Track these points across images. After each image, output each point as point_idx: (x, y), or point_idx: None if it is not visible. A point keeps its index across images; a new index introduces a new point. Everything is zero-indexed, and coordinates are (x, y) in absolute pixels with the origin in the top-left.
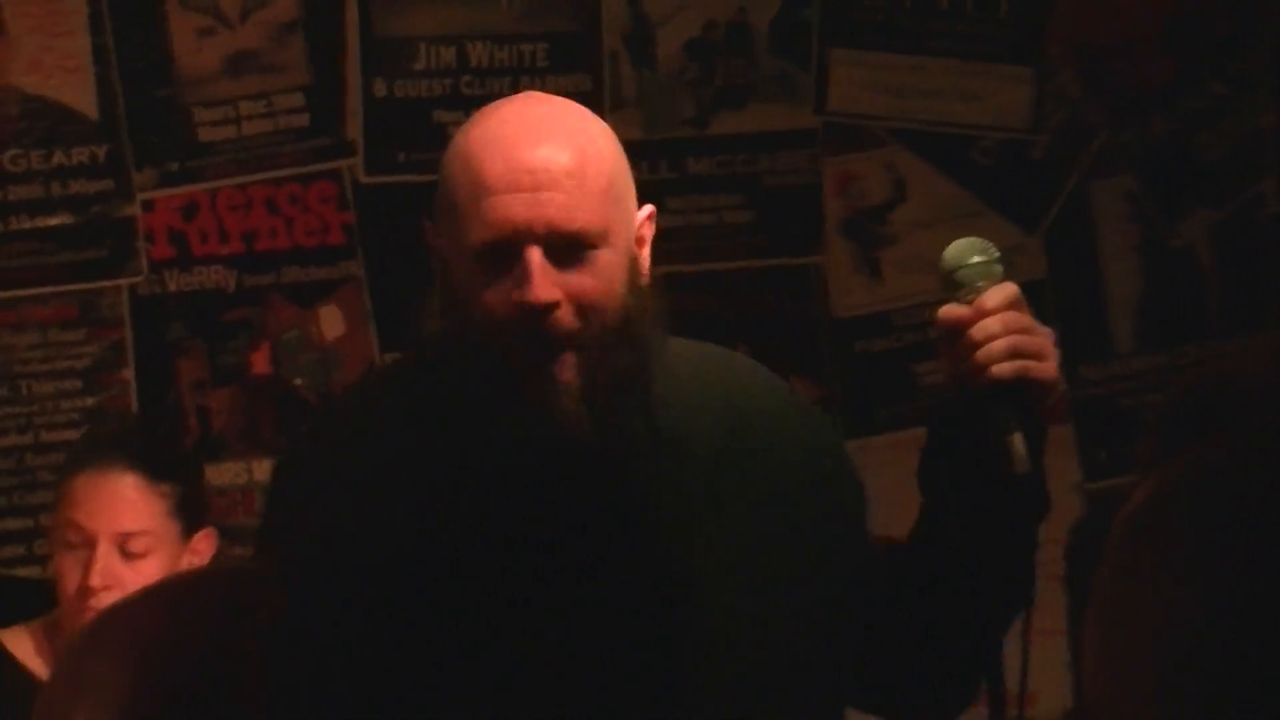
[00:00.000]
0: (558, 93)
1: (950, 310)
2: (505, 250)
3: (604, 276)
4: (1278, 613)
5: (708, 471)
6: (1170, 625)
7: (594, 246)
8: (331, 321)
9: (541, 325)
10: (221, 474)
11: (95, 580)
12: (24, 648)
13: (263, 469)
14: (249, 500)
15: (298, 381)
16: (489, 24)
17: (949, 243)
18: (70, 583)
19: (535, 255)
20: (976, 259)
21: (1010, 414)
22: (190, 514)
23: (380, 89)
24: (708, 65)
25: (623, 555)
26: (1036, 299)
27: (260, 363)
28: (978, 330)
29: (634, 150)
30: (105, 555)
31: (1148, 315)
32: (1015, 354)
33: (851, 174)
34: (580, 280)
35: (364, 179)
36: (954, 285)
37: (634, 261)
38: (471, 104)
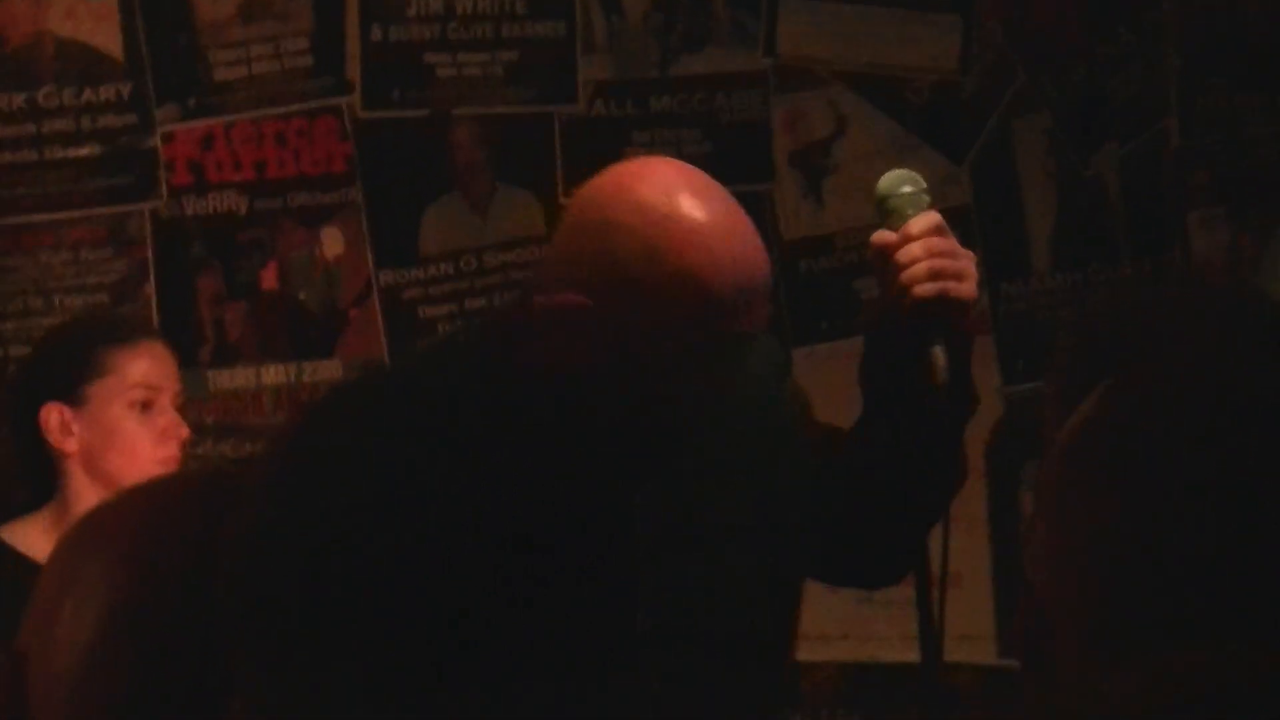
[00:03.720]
0: (535, 37)
1: (880, 235)
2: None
3: None
4: (1176, 519)
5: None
6: (1100, 525)
7: None
8: (333, 241)
9: None
10: (235, 378)
11: (183, 428)
12: (30, 540)
13: (271, 374)
14: (259, 402)
15: (302, 295)
16: None
17: (885, 173)
18: (144, 437)
19: None
20: (905, 189)
21: (932, 328)
22: None
23: (376, 34)
24: (670, 14)
25: None
26: (964, 224)
27: (270, 278)
28: (903, 254)
29: (604, 90)
30: (172, 409)
31: (1062, 238)
32: (936, 275)
33: (798, 111)
34: None
35: (362, 114)
36: (885, 213)
37: None
38: (457, 47)
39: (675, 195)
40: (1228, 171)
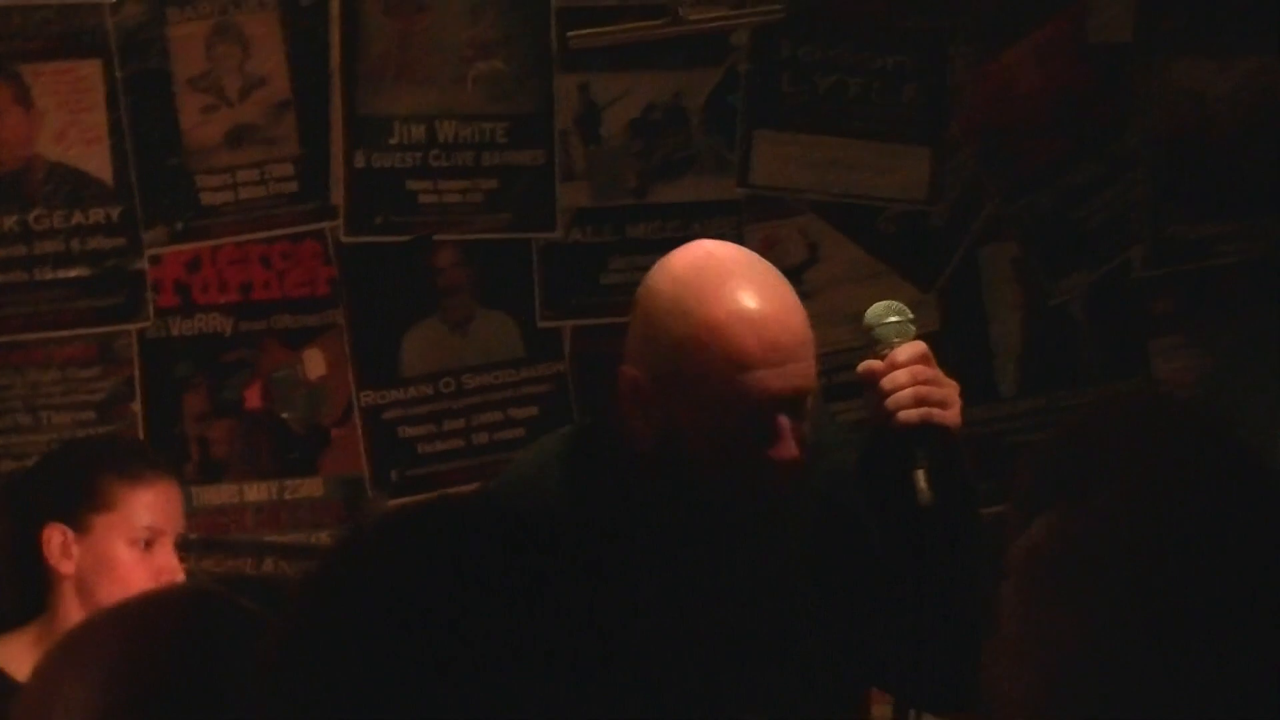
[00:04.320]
0: (514, 165)
1: (867, 364)
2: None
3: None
4: (1140, 631)
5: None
6: (1062, 636)
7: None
8: (316, 362)
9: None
10: (220, 494)
11: (179, 571)
12: (13, 656)
13: (254, 491)
14: (242, 518)
15: (285, 415)
16: (456, 105)
17: (857, 300)
18: (141, 575)
19: (786, 421)
20: (892, 318)
21: (916, 452)
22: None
23: (360, 160)
24: (648, 142)
25: None
26: (932, 349)
27: (254, 398)
28: (889, 381)
29: (582, 216)
30: (171, 550)
31: (1028, 364)
32: (921, 402)
33: (771, 239)
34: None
35: (345, 239)
36: (872, 341)
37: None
38: (439, 175)
39: (702, 260)
40: (1192, 299)
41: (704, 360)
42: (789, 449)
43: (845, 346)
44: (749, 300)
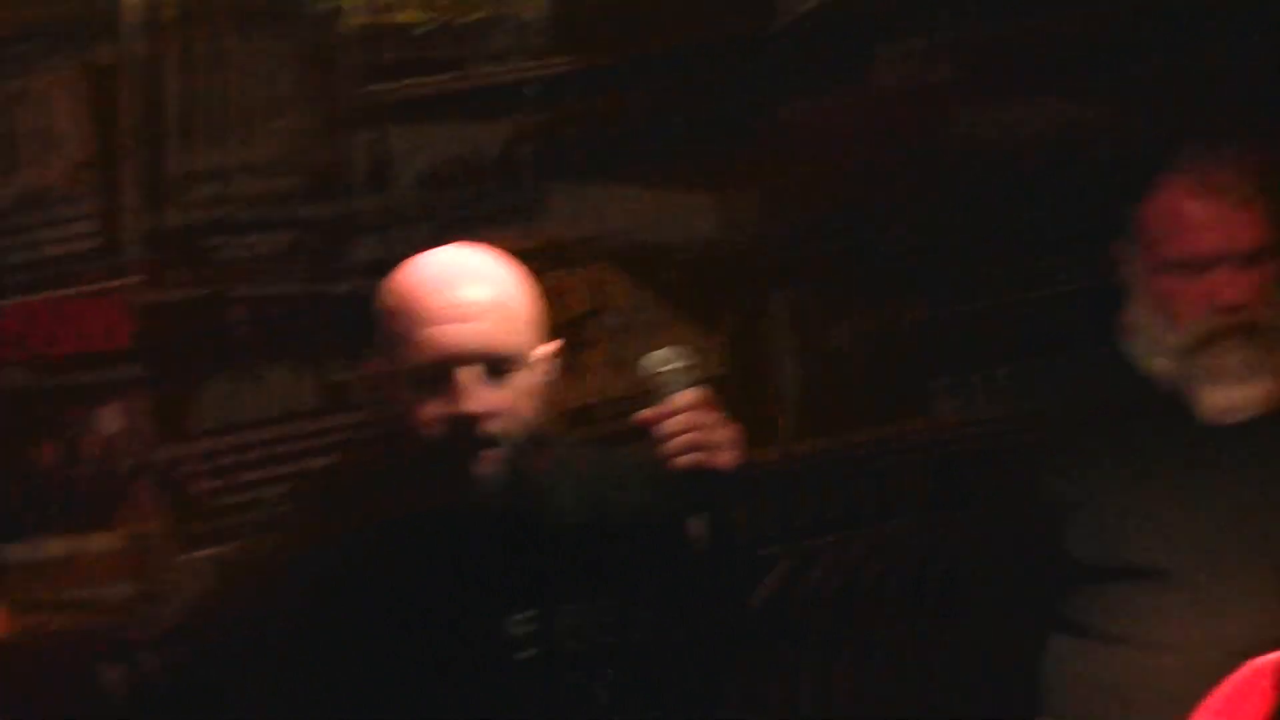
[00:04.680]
0: (310, 219)
1: (644, 412)
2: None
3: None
4: None
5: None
6: None
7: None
8: (113, 418)
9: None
10: (11, 553)
11: None
12: None
13: (51, 548)
14: (42, 573)
15: (81, 470)
16: (252, 161)
17: (646, 347)
18: None
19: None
20: (670, 365)
21: (692, 498)
22: None
23: (159, 218)
24: (441, 195)
25: None
26: (718, 393)
27: (50, 454)
28: (665, 428)
29: (377, 269)
30: None
31: (812, 406)
32: (697, 448)
33: (561, 288)
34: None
35: (144, 295)
36: (651, 388)
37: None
38: (236, 230)
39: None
40: (968, 338)
41: (399, 320)
42: (466, 404)
43: (633, 394)
44: (439, 266)
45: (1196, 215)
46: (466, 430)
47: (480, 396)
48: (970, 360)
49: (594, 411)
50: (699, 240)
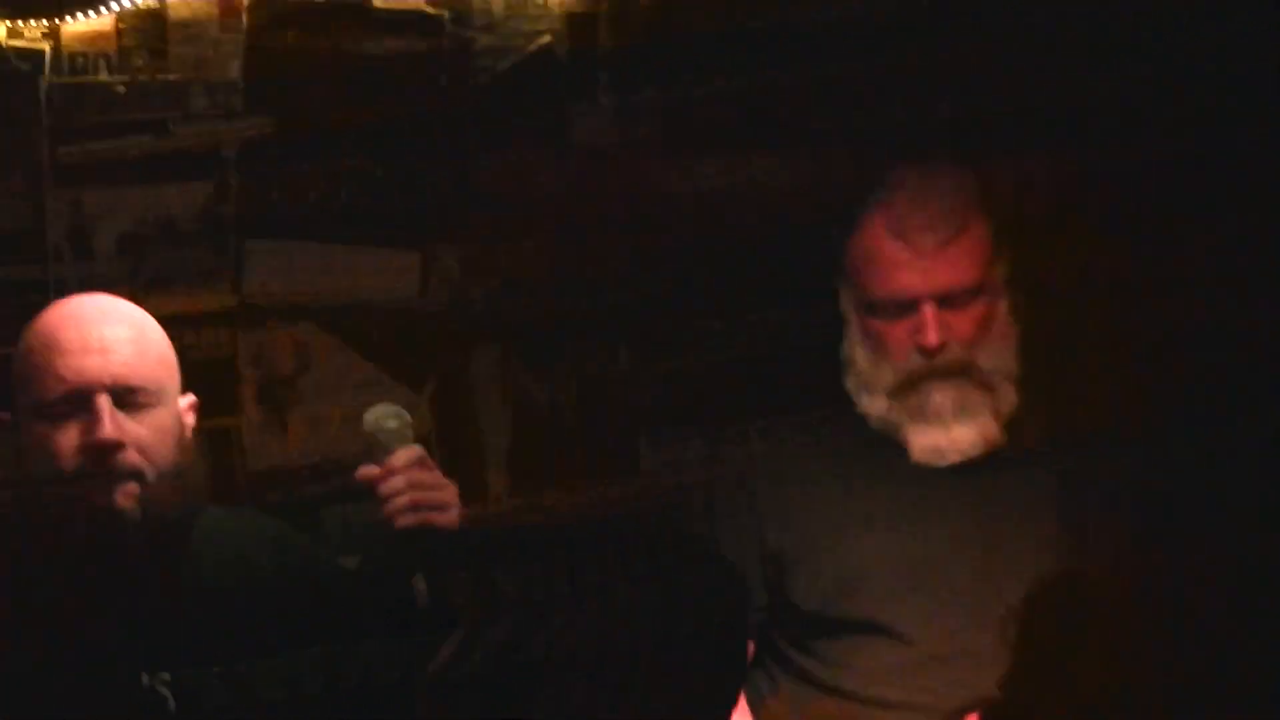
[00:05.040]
0: (9, 280)
1: (364, 470)
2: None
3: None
4: None
5: None
6: None
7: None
8: None
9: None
10: None
11: None
12: None
13: None
14: None
15: None
16: None
17: (352, 405)
18: None
19: (104, 402)
20: (390, 424)
21: (415, 557)
22: None
23: None
24: (140, 256)
25: None
26: (427, 450)
27: None
28: (386, 487)
29: None
30: None
31: (518, 462)
32: (417, 507)
33: (266, 346)
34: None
35: None
36: (371, 446)
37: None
38: None
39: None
40: (680, 393)
41: (36, 356)
42: (102, 431)
43: (340, 454)
44: (75, 306)
45: (893, 256)
46: (103, 458)
47: (117, 425)
48: (681, 417)
49: (301, 473)
50: (403, 299)
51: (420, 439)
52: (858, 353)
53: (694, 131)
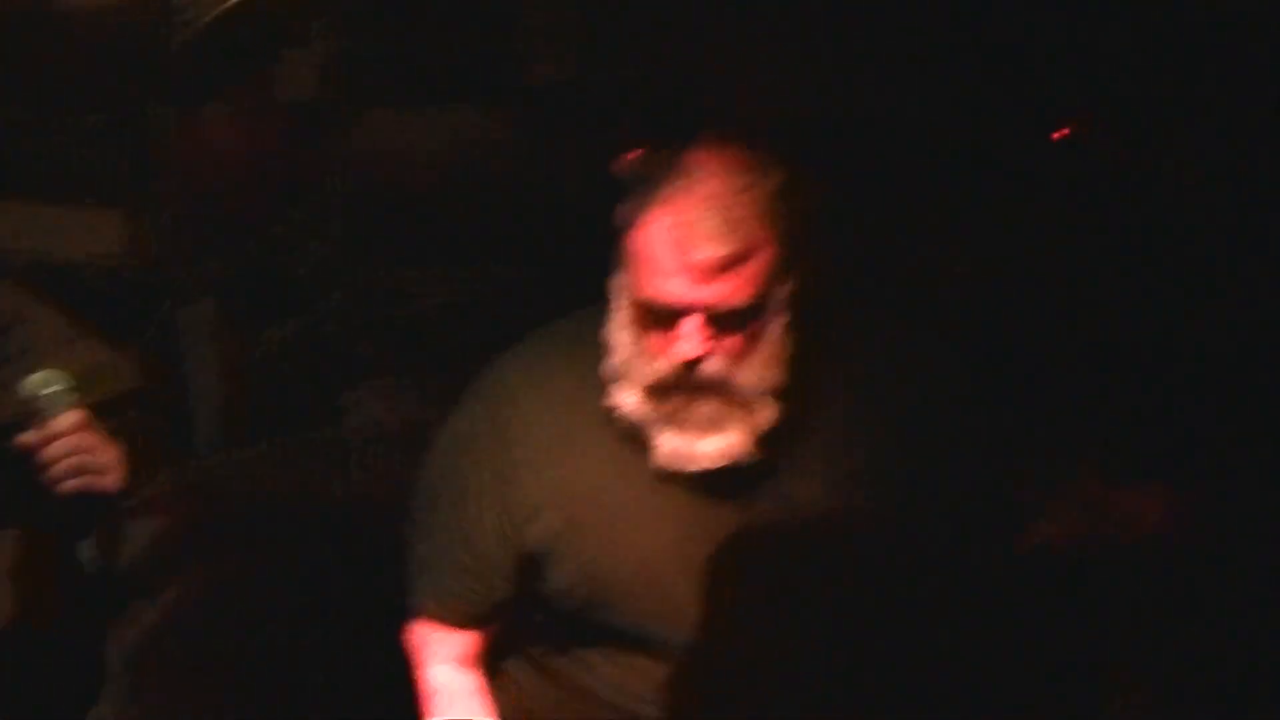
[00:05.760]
0: None
1: (25, 436)
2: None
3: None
4: None
5: None
6: None
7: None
8: None
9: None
10: None
11: None
12: None
13: None
14: None
15: None
16: None
17: (62, 364)
18: None
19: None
20: (50, 388)
21: (79, 521)
22: None
23: None
24: None
25: None
26: (134, 407)
27: None
28: (46, 452)
29: None
30: None
31: (231, 418)
32: (80, 471)
33: None
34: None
35: None
36: (32, 412)
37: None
38: None
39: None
40: (390, 346)
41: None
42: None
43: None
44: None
45: (668, 262)
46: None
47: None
48: (389, 370)
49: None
50: (107, 257)
51: (128, 396)
52: (620, 340)
53: (403, 83)
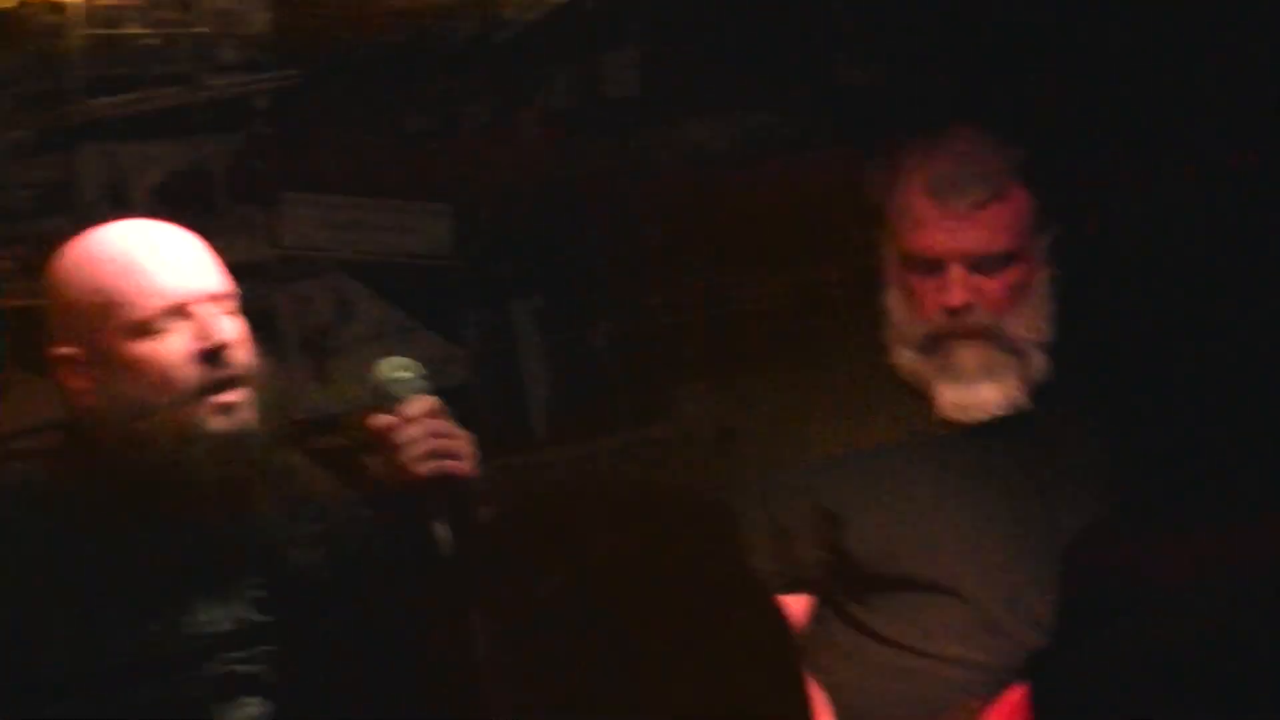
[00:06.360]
0: (43, 232)
1: (377, 419)
2: None
3: None
4: None
5: None
6: None
7: None
8: None
9: None
10: None
11: None
12: None
13: None
14: None
15: None
16: None
17: (388, 355)
18: None
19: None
20: (401, 374)
21: (433, 505)
22: None
23: None
24: (174, 208)
25: None
26: (465, 401)
27: None
28: (400, 436)
29: None
30: None
31: (559, 412)
32: (434, 455)
33: (303, 298)
34: None
35: None
36: (382, 397)
37: None
38: None
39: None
40: (713, 345)
41: (108, 279)
42: (217, 335)
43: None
44: (128, 228)
45: (926, 213)
46: (218, 359)
47: (226, 329)
48: (717, 366)
49: (342, 420)
50: (439, 251)
51: (458, 391)
52: (893, 302)
53: (725, 85)
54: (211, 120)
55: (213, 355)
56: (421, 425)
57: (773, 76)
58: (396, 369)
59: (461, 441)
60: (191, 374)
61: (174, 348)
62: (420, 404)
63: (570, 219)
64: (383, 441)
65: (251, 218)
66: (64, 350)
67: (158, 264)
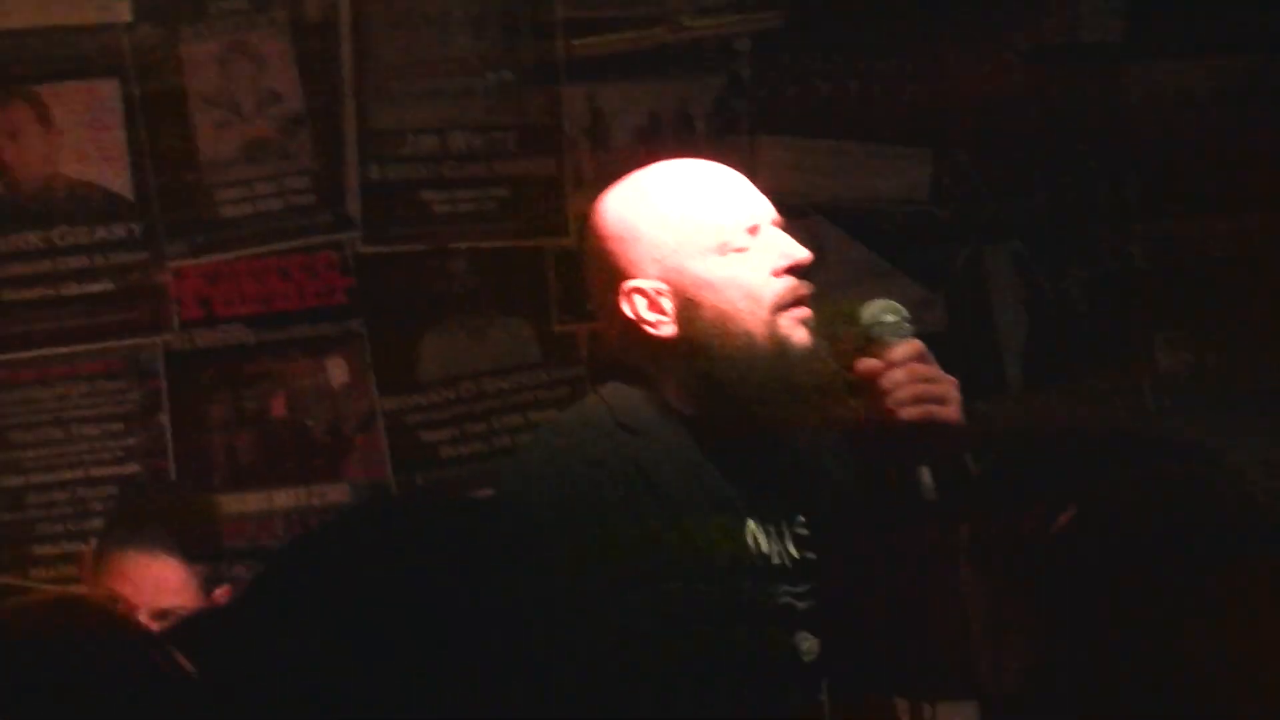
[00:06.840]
0: (525, 174)
1: (865, 363)
2: None
3: None
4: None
5: None
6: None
7: None
8: (337, 370)
9: None
10: (245, 503)
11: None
12: None
13: (282, 498)
14: (269, 526)
15: (309, 422)
16: (466, 116)
17: (863, 300)
18: None
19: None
20: (888, 318)
21: (918, 449)
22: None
23: (374, 172)
24: (655, 149)
25: None
26: (939, 347)
27: (279, 406)
28: (887, 379)
29: None
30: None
31: (1033, 358)
32: (920, 400)
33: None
34: None
35: (363, 249)
36: (868, 340)
37: None
38: (452, 185)
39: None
40: (1191, 293)
41: (710, 225)
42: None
43: (858, 351)
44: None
45: None
46: (796, 274)
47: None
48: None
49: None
50: (916, 196)
51: (932, 336)
52: None
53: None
54: (692, 62)
55: (793, 271)
56: (908, 369)
57: (1256, 20)
58: (882, 311)
59: (948, 386)
60: (774, 288)
61: (756, 264)
62: (907, 347)
63: (1049, 163)
64: (870, 386)
65: (728, 160)
66: (640, 283)
67: (732, 189)
